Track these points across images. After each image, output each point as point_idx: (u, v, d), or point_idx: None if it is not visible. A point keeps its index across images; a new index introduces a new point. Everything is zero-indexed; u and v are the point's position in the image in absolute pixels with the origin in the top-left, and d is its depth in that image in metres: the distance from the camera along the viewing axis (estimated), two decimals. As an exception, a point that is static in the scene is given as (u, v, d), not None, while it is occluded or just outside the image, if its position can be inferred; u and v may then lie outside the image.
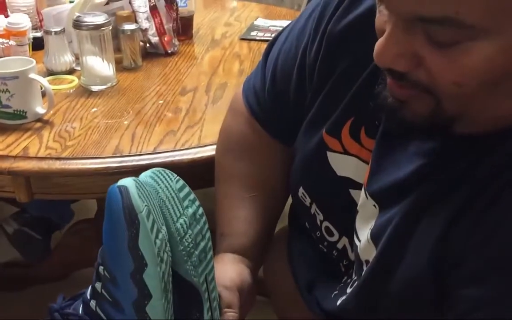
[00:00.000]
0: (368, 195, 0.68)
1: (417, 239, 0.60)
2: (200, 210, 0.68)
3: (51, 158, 0.95)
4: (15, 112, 1.03)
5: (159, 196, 0.63)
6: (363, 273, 0.67)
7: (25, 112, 1.04)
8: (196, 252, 0.66)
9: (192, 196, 0.67)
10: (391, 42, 0.53)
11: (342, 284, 0.77)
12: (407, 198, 0.62)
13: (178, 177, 0.67)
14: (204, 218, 0.68)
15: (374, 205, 0.67)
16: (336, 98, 0.72)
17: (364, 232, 0.68)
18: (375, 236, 0.65)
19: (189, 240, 0.65)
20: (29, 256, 1.58)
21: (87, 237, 1.45)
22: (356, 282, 0.71)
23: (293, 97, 0.80)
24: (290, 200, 0.87)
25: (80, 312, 0.65)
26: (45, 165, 0.93)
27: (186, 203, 0.66)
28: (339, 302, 0.73)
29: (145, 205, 0.60)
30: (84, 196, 1.21)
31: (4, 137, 1.00)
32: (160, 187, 0.64)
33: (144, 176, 0.65)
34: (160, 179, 0.65)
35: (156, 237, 0.61)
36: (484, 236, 0.54)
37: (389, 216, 0.63)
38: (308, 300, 0.82)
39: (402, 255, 0.61)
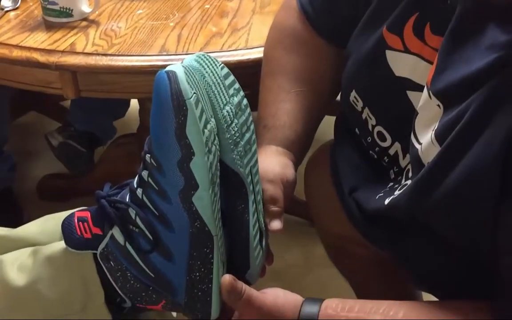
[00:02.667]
0: (431, 94, 0.64)
1: (488, 132, 0.56)
2: (245, 101, 0.65)
3: (98, 54, 0.94)
4: (62, 9, 1.02)
5: (206, 81, 0.61)
6: (421, 171, 0.64)
7: (71, 10, 1.02)
8: (242, 142, 0.64)
9: (236, 85, 0.65)
10: None
11: (387, 189, 0.74)
12: (478, 93, 0.58)
13: (222, 64, 0.64)
14: (248, 109, 0.66)
15: (438, 105, 0.63)
16: None
17: (426, 134, 0.65)
18: (440, 136, 0.62)
19: (235, 129, 0.63)
20: (73, 168, 1.60)
21: (130, 150, 1.45)
22: (409, 182, 0.68)
23: None
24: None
25: (127, 200, 0.63)
26: (92, 60, 0.93)
27: (231, 91, 0.64)
28: (387, 201, 0.71)
29: (194, 93, 0.57)
30: (130, 95, 1.21)
31: (51, 33, 0.99)
32: (206, 72, 0.61)
33: (189, 59, 0.62)
34: (206, 64, 0.62)
35: (205, 127, 0.58)
36: None
37: (456, 114, 0.60)
38: (348, 203, 0.80)
39: (468, 149, 0.58)
